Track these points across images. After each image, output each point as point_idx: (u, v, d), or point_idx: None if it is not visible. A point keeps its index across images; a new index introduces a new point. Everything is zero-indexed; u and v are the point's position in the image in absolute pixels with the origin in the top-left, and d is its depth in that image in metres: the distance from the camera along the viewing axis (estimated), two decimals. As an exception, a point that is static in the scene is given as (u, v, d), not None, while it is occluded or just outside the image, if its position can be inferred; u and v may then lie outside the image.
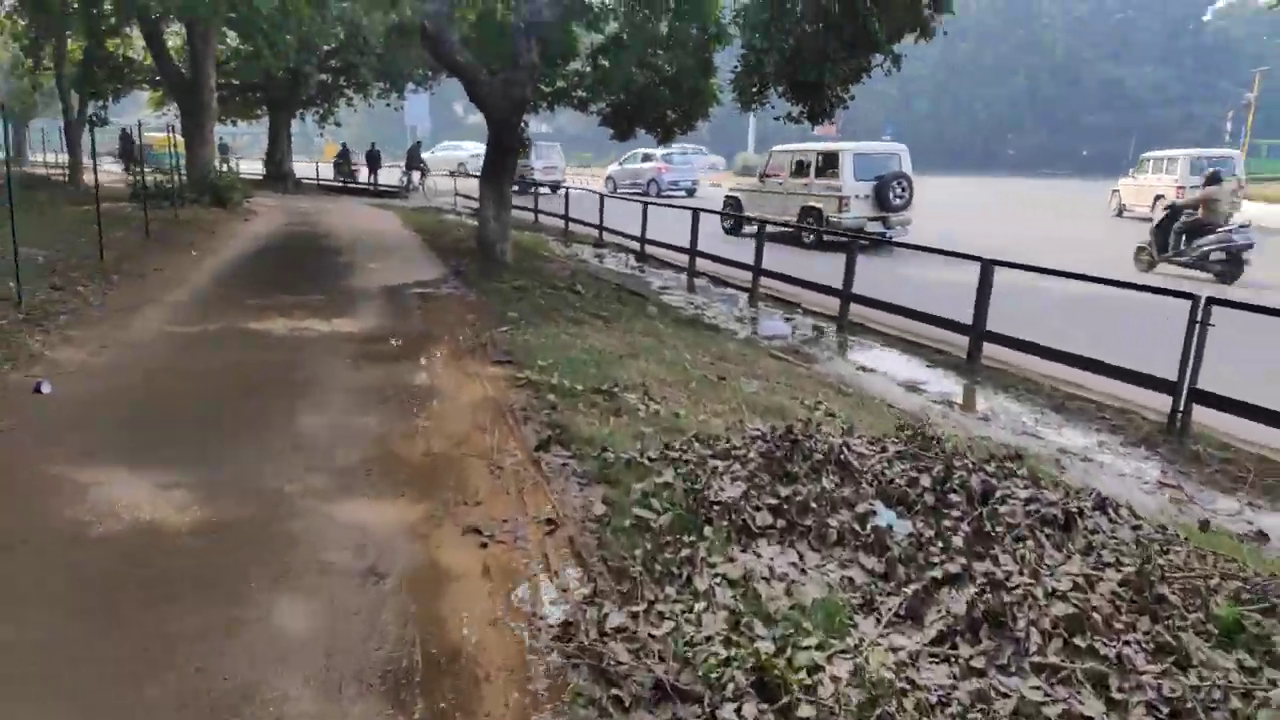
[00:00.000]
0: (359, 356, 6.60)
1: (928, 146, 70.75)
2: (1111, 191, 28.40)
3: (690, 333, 9.08)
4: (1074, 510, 3.86)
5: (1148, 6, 76.86)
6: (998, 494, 3.93)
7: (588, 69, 16.93)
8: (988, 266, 8.33)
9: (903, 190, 16.84)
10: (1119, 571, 3.39)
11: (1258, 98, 45.11)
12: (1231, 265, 12.53)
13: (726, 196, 20.44)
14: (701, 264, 13.54)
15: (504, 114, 12.04)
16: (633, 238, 16.40)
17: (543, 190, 25.07)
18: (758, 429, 4.89)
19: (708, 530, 3.52)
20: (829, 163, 17.35)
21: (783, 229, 16.58)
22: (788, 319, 10.76)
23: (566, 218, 19.73)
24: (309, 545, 3.50)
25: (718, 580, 3.18)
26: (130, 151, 26.77)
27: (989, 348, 8.32)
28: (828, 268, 11.00)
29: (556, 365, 6.22)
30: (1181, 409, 6.45)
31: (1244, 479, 5.69)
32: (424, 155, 32.40)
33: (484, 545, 3.55)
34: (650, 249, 15.67)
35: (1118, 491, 5.36)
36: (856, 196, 16.69)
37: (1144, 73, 72.80)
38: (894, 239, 14.05)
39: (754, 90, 10.93)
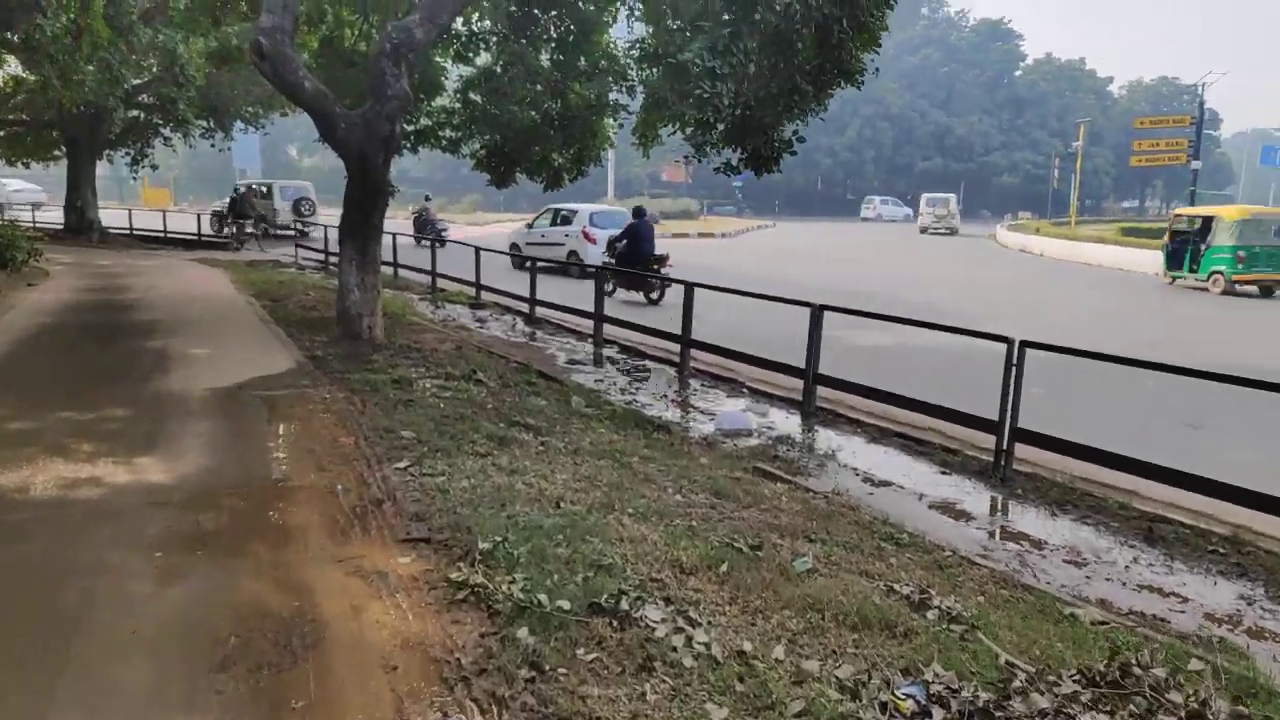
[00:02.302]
0: (174, 543, 4.05)
1: (773, 192, 72.29)
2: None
3: (640, 438, 6.96)
4: None
5: (968, 61, 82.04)
6: None
7: (457, 105, 14.66)
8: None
9: (308, 207, 29.75)
10: None
11: (1082, 145, 47.98)
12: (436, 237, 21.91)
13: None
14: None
15: (367, 155, 9.61)
16: (518, 296, 14.31)
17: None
18: (912, 697, 2.84)
19: None
20: (269, 190, 30.39)
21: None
22: (735, 397, 8.86)
23: (434, 272, 17.22)
24: None
25: None
26: None
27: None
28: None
29: (506, 543, 3.94)
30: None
31: None
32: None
33: None
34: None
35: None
36: (284, 210, 29.48)
37: (970, 122, 77.27)
38: (303, 230, 26.73)
39: (703, 133, 8.91)
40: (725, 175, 10.14)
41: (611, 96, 12.69)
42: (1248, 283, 21.17)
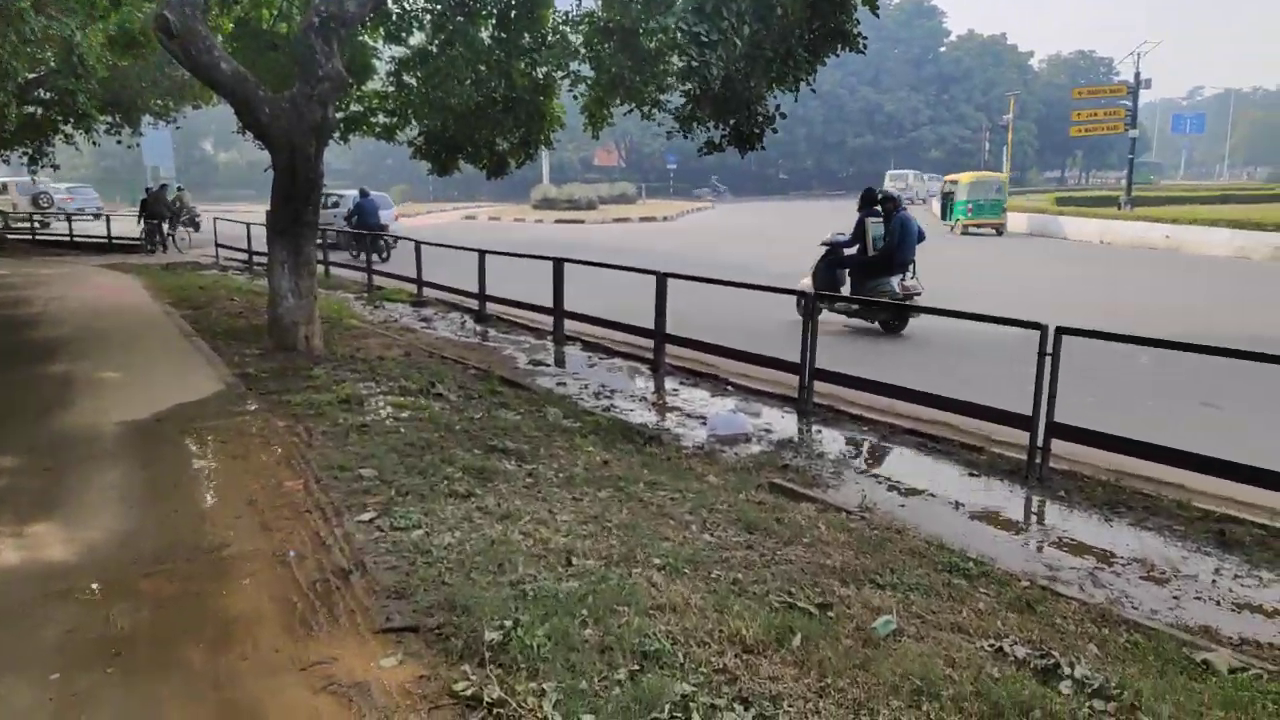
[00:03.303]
0: (77, 656, 3.06)
1: (710, 171, 71.78)
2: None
3: (633, 453, 6.14)
4: None
5: (893, 39, 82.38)
6: None
7: (390, 89, 13.51)
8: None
9: (46, 200, 32.26)
10: None
11: (1013, 118, 48.37)
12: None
13: None
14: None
15: (297, 143, 8.52)
16: (465, 293, 13.27)
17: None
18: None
19: None
20: (6, 187, 33.41)
21: None
22: (720, 395, 8.06)
23: (369, 269, 16.04)
24: None
25: None
26: None
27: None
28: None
29: (519, 627, 3.06)
30: None
31: None
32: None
33: None
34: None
35: None
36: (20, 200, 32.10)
37: (898, 98, 77.74)
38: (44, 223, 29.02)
39: (691, 107, 8.00)
40: (707, 154, 9.29)
41: (572, 68, 11.72)
42: (976, 226, 29.29)
